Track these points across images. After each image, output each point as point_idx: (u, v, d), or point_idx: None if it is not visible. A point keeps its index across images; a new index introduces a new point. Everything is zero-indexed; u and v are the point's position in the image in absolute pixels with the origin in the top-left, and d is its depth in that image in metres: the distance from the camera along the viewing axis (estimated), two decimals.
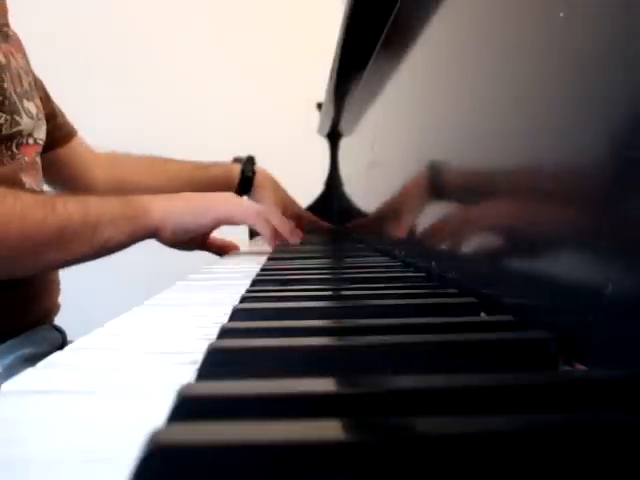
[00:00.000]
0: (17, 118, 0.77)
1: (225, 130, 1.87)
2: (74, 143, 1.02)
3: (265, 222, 0.86)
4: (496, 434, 0.16)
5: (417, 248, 0.59)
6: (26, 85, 0.82)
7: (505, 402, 0.20)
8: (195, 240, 0.89)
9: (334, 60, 0.90)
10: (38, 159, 0.85)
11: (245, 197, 1.11)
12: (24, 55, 0.87)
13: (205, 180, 1.10)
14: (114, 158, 1.10)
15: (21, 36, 0.88)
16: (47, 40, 1.62)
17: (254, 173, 1.14)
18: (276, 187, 1.17)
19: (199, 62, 1.92)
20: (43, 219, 0.68)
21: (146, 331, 0.37)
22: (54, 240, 0.69)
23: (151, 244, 0.82)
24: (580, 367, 0.26)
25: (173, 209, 0.80)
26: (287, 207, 1.16)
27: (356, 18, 0.72)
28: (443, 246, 0.50)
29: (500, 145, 0.38)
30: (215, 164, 1.14)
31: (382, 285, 0.49)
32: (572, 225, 0.28)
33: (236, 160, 1.15)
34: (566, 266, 0.28)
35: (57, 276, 0.89)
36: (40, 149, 0.85)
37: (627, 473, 0.16)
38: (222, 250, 1.00)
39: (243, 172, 1.13)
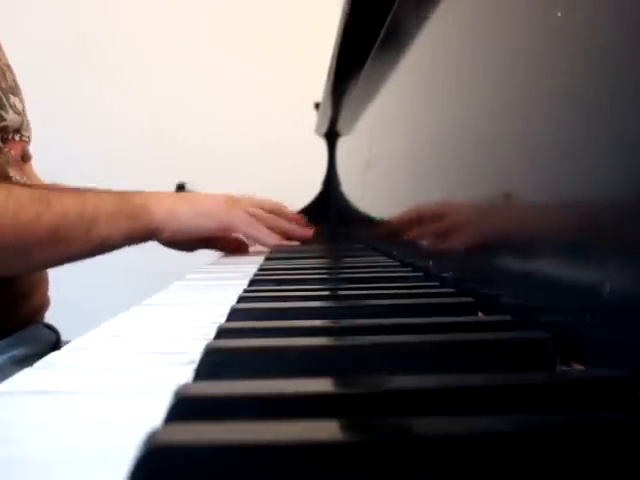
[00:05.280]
0: (2, 113, 0.75)
1: (223, 129, 1.87)
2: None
3: (268, 233, 0.84)
4: (494, 434, 0.16)
5: (415, 247, 0.59)
6: (10, 81, 0.80)
7: (503, 402, 0.20)
8: (200, 241, 0.86)
9: (332, 59, 0.90)
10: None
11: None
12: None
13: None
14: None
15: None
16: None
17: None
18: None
19: (197, 62, 1.92)
20: (37, 216, 0.65)
21: (144, 331, 0.37)
22: (48, 238, 0.67)
23: (149, 243, 0.81)
24: (578, 367, 0.26)
25: (177, 210, 0.78)
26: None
27: (354, 17, 0.72)
28: (441, 245, 0.50)
29: (497, 144, 0.38)
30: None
31: (380, 285, 0.49)
32: (570, 224, 0.28)
33: None
34: (564, 266, 0.28)
35: (45, 271, 0.85)
36: (26, 147, 0.82)
37: (625, 473, 0.16)
38: (233, 248, 0.92)
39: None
